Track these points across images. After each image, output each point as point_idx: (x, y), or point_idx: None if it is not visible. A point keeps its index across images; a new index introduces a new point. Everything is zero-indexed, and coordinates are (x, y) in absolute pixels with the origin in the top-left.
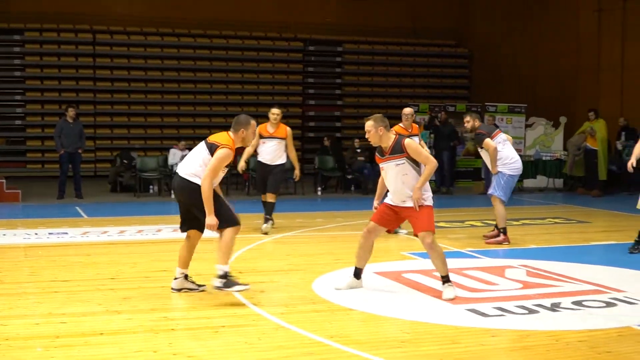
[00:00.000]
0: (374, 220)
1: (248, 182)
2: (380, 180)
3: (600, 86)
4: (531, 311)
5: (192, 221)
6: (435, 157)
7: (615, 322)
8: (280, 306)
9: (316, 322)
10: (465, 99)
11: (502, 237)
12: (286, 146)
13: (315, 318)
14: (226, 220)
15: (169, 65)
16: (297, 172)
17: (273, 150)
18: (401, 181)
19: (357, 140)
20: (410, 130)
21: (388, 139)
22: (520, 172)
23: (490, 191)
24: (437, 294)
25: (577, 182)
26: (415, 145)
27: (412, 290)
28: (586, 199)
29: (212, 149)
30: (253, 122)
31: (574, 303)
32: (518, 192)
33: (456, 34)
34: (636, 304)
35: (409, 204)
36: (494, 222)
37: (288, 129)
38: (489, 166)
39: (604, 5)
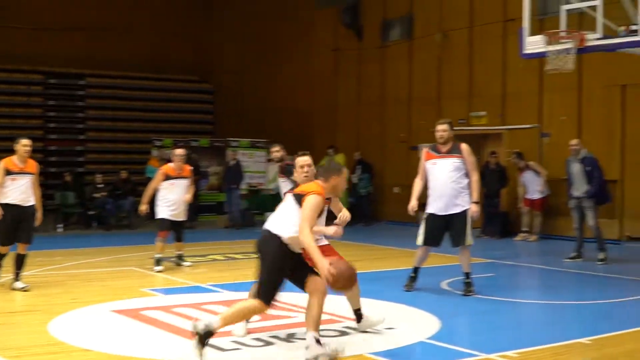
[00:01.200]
0: None
1: None
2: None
3: (338, 122)
4: (267, 343)
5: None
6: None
7: (348, 351)
8: (13, 349)
9: None
10: (210, 134)
11: None
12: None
13: None
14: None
15: None
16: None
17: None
18: None
19: (99, 175)
20: (180, 172)
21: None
22: None
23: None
24: (175, 330)
25: None
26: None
27: (151, 328)
28: None
29: (299, 199)
30: (345, 169)
31: None
32: (260, 225)
33: (200, 69)
34: (368, 332)
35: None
36: (239, 256)
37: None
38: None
39: (341, 45)
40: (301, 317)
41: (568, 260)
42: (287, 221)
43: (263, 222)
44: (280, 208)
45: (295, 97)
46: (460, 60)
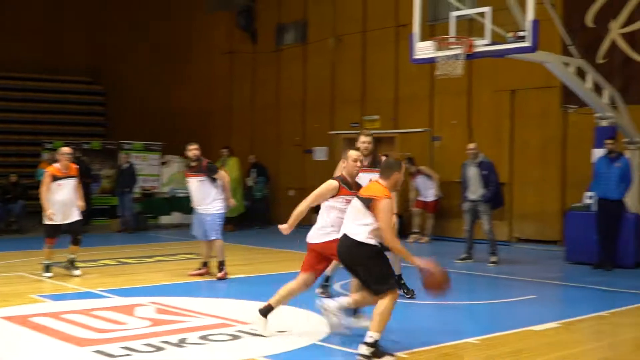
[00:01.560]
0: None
1: None
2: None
3: (233, 125)
4: (158, 348)
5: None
6: None
7: (240, 354)
8: None
9: None
10: (102, 137)
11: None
12: None
13: None
14: (391, 284)
15: None
16: None
17: None
18: None
19: None
20: (67, 171)
21: None
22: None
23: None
24: (64, 337)
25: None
26: None
27: (39, 335)
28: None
29: (367, 203)
30: (403, 164)
31: (201, 338)
32: (154, 228)
33: (91, 70)
34: (260, 335)
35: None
36: (131, 261)
37: None
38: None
39: (236, 48)
40: (194, 322)
41: (459, 261)
42: (359, 226)
43: (157, 225)
44: (349, 213)
45: (190, 100)
46: (354, 65)
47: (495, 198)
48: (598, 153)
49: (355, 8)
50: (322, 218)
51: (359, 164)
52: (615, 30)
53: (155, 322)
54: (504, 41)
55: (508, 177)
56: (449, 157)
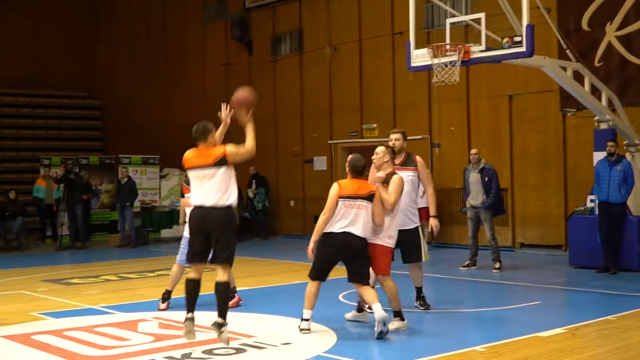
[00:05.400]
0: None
1: None
2: None
3: (231, 136)
4: None
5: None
6: (68, 210)
7: None
8: None
9: None
10: (100, 151)
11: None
12: None
13: None
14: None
15: None
16: None
17: None
18: None
19: None
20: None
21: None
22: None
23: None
24: (67, 355)
25: None
26: None
27: (42, 353)
28: None
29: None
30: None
31: (205, 352)
32: (155, 242)
33: (88, 85)
34: (265, 348)
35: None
36: (133, 276)
37: None
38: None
39: (232, 59)
40: (199, 336)
41: (463, 268)
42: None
43: (157, 239)
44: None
45: (188, 112)
46: (351, 73)
47: (496, 205)
48: (598, 156)
49: (351, 16)
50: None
51: (381, 156)
52: (611, 33)
53: (159, 338)
54: (500, 47)
55: (509, 182)
56: (449, 164)
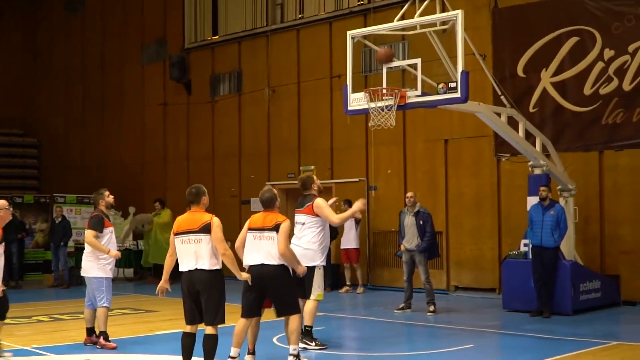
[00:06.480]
0: None
1: None
2: None
3: (167, 176)
4: None
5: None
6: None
7: None
8: None
9: None
10: (35, 190)
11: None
12: None
13: None
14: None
15: None
16: None
17: None
18: None
19: None
20: None
21: None
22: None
23: None
24: None
25: (148, 271)
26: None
27: None
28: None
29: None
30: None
31: None
32: None
33: (23, 123)
34: None
35: None
36: (65, 317)
37: None
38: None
39: (170, 99)
40: None
41: (398, 311)
42: None
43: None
44: None
45: (125, 152)
46: (290, 115)
47: (430, 248)
48: (532, 201)
49: (290, 58)
50: None
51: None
52: (546, 79)
53: None
54: (436, 92)
55: (444, 225)
56: (385, 207)
